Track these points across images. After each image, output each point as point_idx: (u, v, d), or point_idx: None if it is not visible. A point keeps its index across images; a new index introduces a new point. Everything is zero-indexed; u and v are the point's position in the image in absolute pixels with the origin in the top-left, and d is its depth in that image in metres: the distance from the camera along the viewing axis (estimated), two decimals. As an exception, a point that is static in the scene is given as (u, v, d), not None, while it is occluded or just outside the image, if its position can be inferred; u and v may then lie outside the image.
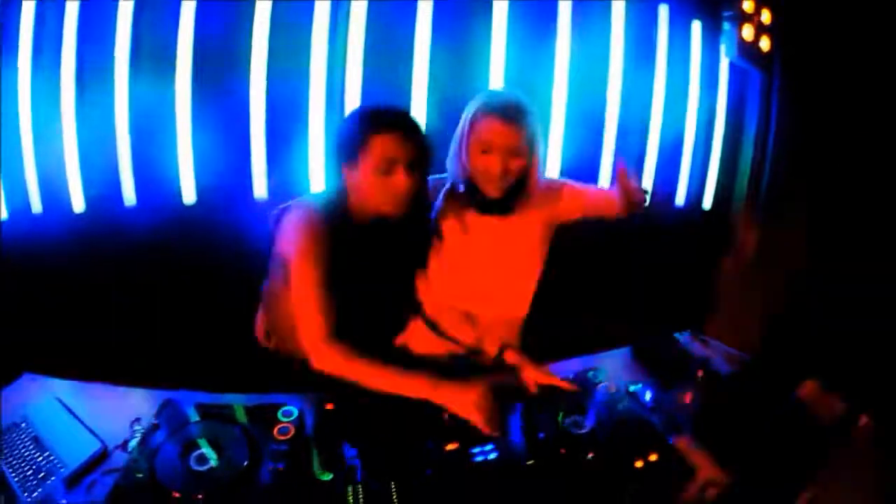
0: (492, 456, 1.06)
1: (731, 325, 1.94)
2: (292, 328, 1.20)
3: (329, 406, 1.11)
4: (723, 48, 2.41)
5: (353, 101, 1.97)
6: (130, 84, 1.83)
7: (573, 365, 1.45)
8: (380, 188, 1.18)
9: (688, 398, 1.30)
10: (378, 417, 1.10)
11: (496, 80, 2.12)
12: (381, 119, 1.19)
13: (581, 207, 1.45)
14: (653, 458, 1.11)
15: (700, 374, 1.38)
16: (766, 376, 1.39)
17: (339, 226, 1.23)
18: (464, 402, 1.07)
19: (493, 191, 1.31)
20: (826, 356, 1.55)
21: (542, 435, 1.14)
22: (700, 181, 2.61)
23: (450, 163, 1.37)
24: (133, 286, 1.83)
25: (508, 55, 2.12)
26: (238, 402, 1.10)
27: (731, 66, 2.49)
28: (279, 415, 1.08)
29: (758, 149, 2.51)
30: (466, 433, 1.08)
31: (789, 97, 2.42)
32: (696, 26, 2.43)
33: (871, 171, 2.29)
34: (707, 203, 2.65)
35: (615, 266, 2.33)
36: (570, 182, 1.49)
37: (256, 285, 1.43)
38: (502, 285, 1.49)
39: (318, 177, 2.01)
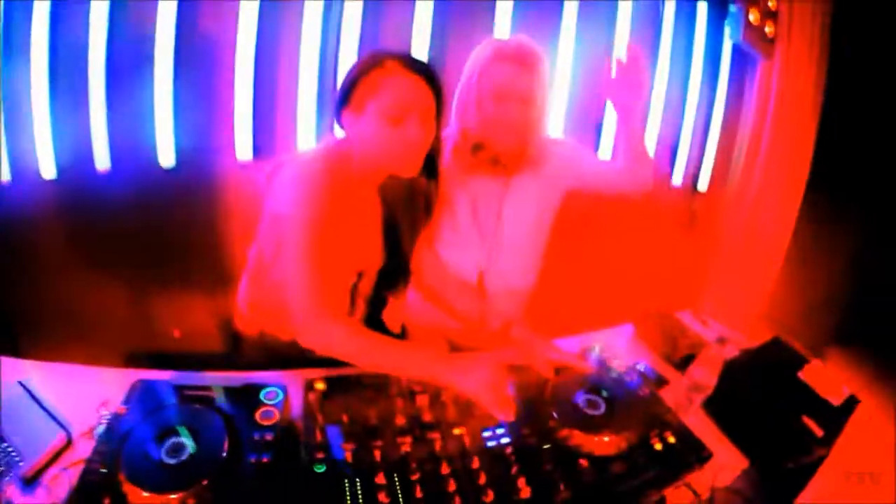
0: (504, 440, 0.93)
1: (724, 305, 1.90)
2: (283, 298, 1.06)
3: (319, 385, 0.97)
4: (727, 30, 2.36)
5: (349, 53, 1.78)
6: (105, 40, 1.63)
7: (574, 343, 1.33)
8: (388, 141, 1.03)
9: (697, 378, 1.20)
10: (376, 398, 0.97)
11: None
12: (393, 60, 1.03)
13: (586, 170, 1.33)
14: (670, 439, 1.02)
15: (706, 354, 1.28)
16: (770, 356, 1.30)
17: (340, 184, 1.08)
18: (475, 381, 0.94)
19: (506, 143, 1.19)
20: (829, 336, 1.46)
21: (556, 415, 1.01)
22: (697, 163, 2.57)
23: (455, 118, 1.23)
24: (107, 257, 1.68)
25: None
26: (217, 384, 0.96)
27: (735, 48, 2.42)
28: (262, 397, 0.93)
29: (755, 133, 2.49)
30: (472, 415, 0.95)
31: (789, 84, 2.38)
32: (702, 7, 2.35)
33: (869, 159, 2.21)
34: (703, 185, 2.61)
35: (611, 244, 2.25)
36: (574, 142, 1.37)
37: (240, 255, 1.29)
38: (509, 250, 1.36)
39: (307, 137, 1.84)
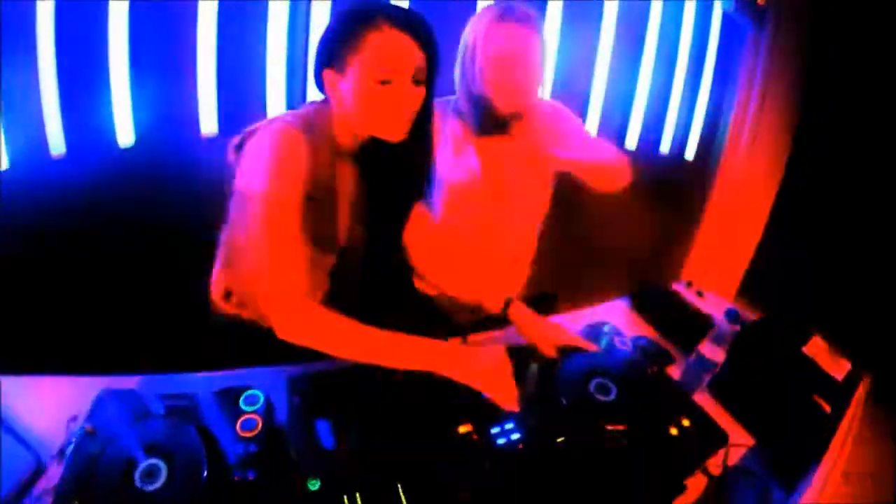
0: (515, 436, 0.84)
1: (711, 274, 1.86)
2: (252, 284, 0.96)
3: (303, 385, 0.86)
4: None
5: (321, 15, 1.60)
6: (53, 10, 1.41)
7: (575, 320, 1.28)
8: (375, 103, 0.91)
9: (707, 355, 1.14)
10: (370, 397, 0.86)
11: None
12: (382, 12, 0.89)
13: (575, 138, 1.29)
14: (685, 423, 0.96)
15: (716, 330, 1.21)
16: (771, 331, 1.26)
17: (315, 152, 0.95)
18: (478, 370, 0.84)
19: (509, 102, 1.18)
20: (827, 311, 1.43)
21: (564, 402, 0.92)
22: (684, 131, 2.50)
23: (458, 80, 1.22)
24: (65, 250, 1.50)
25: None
26: (189, 392, 0.83)
27: (725, 16, 2.33)
28: (241, 403, 0.81)
29: (741, 103, 2.45)
30: (476, 410, 0.85)
31: (777, 54, 2.33)
32: None
33: (854, 132, 2.19)
34: (690, 153, 2.54)
35: (601, 216, 2.14)
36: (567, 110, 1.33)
37: (211, 238, 1.14)
38: (508, 218, 1.29)
39: (277, 103, 1.67)
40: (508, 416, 0.85)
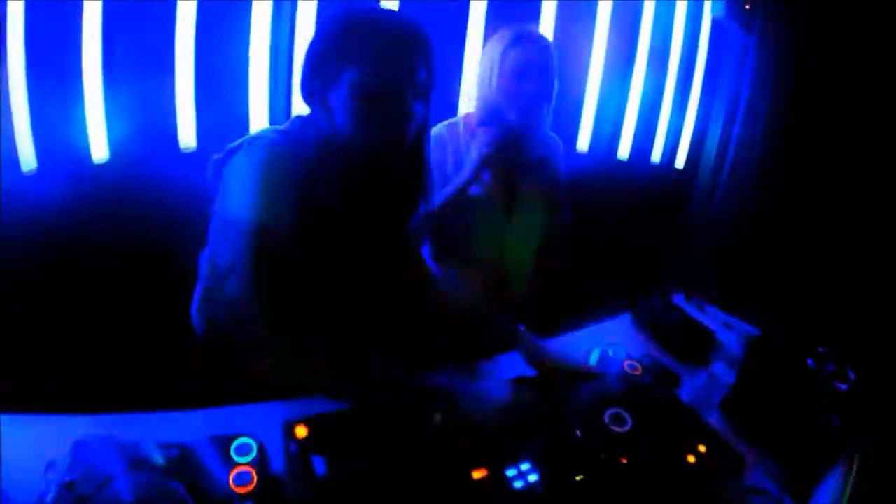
0: (533, 477, 0.77)
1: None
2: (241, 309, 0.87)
3: (300, 430, 0.77)
4: (708, 5, 2.31)
5: (306, 21, 1.51)
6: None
7: (580, 340, 1.23)
8: (369, 120, 0.84)
9: (717, 375, 1.13)
10: (375, 443, 0.77)
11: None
12: (379, 19, 0.83)
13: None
14: (702, 449, 0.90)
15: (726, 350, 1.21)
16: (773, 345, 1.24)
17: (307, 169, 0.87)
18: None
19: (521, 118, 1.28)
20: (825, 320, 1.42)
21: (579, 435, 0.86)
22: (675, 139, 2.51)
23: (475, 96, 1.35)
24: (35, 271, 1.38)
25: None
26: (173, 442, 0.74)
27: (715, 24, 2.36)
28: (233, 452, 0.72)
29: (729, 111, 2.46)
30: (492, 453, 0.78)
31: (766, 62, 2.34)
32: None
33: (845, 138, 2.21)
34: (680, 162, 2.55)
35: (595, 229, 2.11)
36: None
37: (191, 260, 1.06)
38: (525, 225, 1.39)
39: (259, 121, 1.57)
40: (523, 455, 0.79)
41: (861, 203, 2.08)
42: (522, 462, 0.78)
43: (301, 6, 1.46)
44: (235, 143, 0.90)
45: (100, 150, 1.46)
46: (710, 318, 1.40)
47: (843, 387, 1.13)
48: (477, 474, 0.75)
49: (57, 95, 1.36)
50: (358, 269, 0.98)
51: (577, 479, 0.79)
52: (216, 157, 0.92)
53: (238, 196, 0.84)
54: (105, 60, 1.38)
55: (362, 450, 0.74)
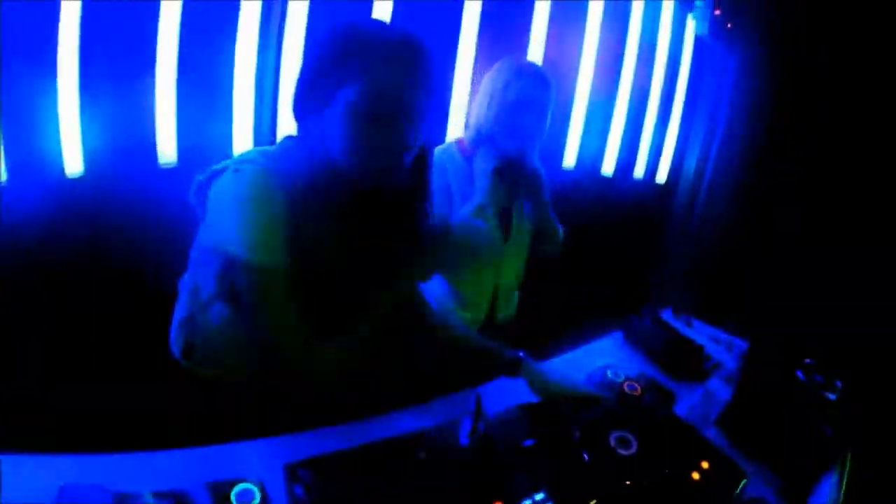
0: (547, 509, 0.74)
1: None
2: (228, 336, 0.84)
3: (303, 472, 0.71)
4: (691, 23, 2.34)
5: (295, 32, 1.44)
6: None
7: (576, 361, 1.22)
8: (363, 143, 0.78)
9: (714, 392, 1.15)
10: (384, 483, 0.73)
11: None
12: (375, 36, 0.76)
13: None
14: (705, 465, 0.91)
15: (723, 367, 1.24)
16: (763, 358, 1.25)
17: (297, 195, 0.81)
18: None
19: (516, 147, 1.30)
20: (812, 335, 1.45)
21: (587, 457, 0.85)
22: (657, 155, 2.54)
23: (472, 124, 1.35)
24: (4, 293, 1.27)
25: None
26: (167, 489, 0.67)
27: (697, 41, 2.39)
28: (233, 500, 0.65)
29: (709, 126, 2.52)
30: (508, 485, 0.75)
31: (746, 78, 2.41)
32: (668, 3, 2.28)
33: (824, 150, 2.27)
34: (661, 177, 2.58)
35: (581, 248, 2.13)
36: None
37: (169, 283, 0.99)
38: (519, 247, 1.41)
39: (243, 136, 1.50)
40: (537, 487, 0.76)
41: (840, 214, 2.14)
42: (537, 493, 0.75)
43: (290, 18, 1.40)
44: (220, 166, 0.83)
45: (74, 163, 1.37)
46: (699, 333, 1.40)
47: (832, 396, 1.15)
48: (494, 510, 0.71)
49: (29, 104, 1.26)
50: (351, 300, 0.92)
51: (591, 505, 0.77)
52: (200, 178, 0.85)
53: (223, 227, 0.78)
54: (82, 68, 1.28)
55: (377, 489, 0.69)
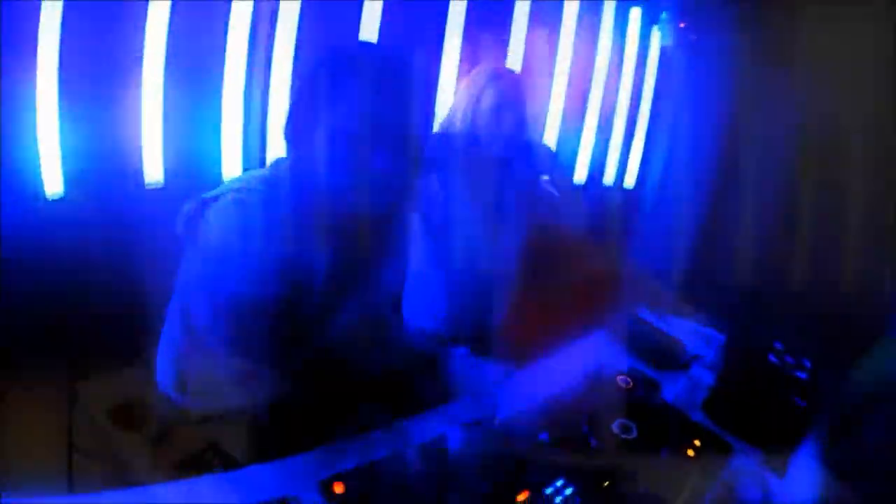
0: (569, 490, 0.79)
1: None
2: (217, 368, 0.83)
3: (338, 488, 0.72)
4: (657, 34, 2.46)
5: (285, 48, 1.46)
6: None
7: (566, 361, 1.26)
8: (350, 167, 0.77)
9: (698, 379, 1.21)
10: (419, 487, 0.75)
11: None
12: (358, 64, 0.77)
13: None
14: (697, 443, 1.01)
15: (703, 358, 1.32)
16: (739, 346, 1.37)
17: (289, 226, 0.82)
18: None
19: (497, 148, 1.35)
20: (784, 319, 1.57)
21: (594, 443, 0.94)
22: (624, 161, 2.66)
23: (455, 126, 1.36)
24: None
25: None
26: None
27: (663, 51, 2.52)
28: None
29: (673, 134, 2.63)
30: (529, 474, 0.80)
31: (708, 85, 2.50)
32: (636, 12, 2.42)
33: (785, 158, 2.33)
34: (630, 182, 2.70)
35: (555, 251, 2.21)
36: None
37: (156, 311, 0.95)
38: (508, 254, 1.45)
39: (232, 155, 1.49)
40: (556, 474, 0.81)
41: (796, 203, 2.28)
42: (558, 479, 0.80)
43: (279, 38, 1.42)
44: (211, 194, 0.81)
45: (54, 184, 1.32)
46: (675, 327, 1.49)
47: (803, 375, 1.26)
48: (521, 497, 0.76)
49: (6, 121, 1.21)
50: (330, 319, 0.92)
51: (605, 484, 0.82)
52: (189, 207, 0.82)
53: (216, 261, 0.78)
54: (63, 83, 1.24)
55: (405, 496, 0.72)
